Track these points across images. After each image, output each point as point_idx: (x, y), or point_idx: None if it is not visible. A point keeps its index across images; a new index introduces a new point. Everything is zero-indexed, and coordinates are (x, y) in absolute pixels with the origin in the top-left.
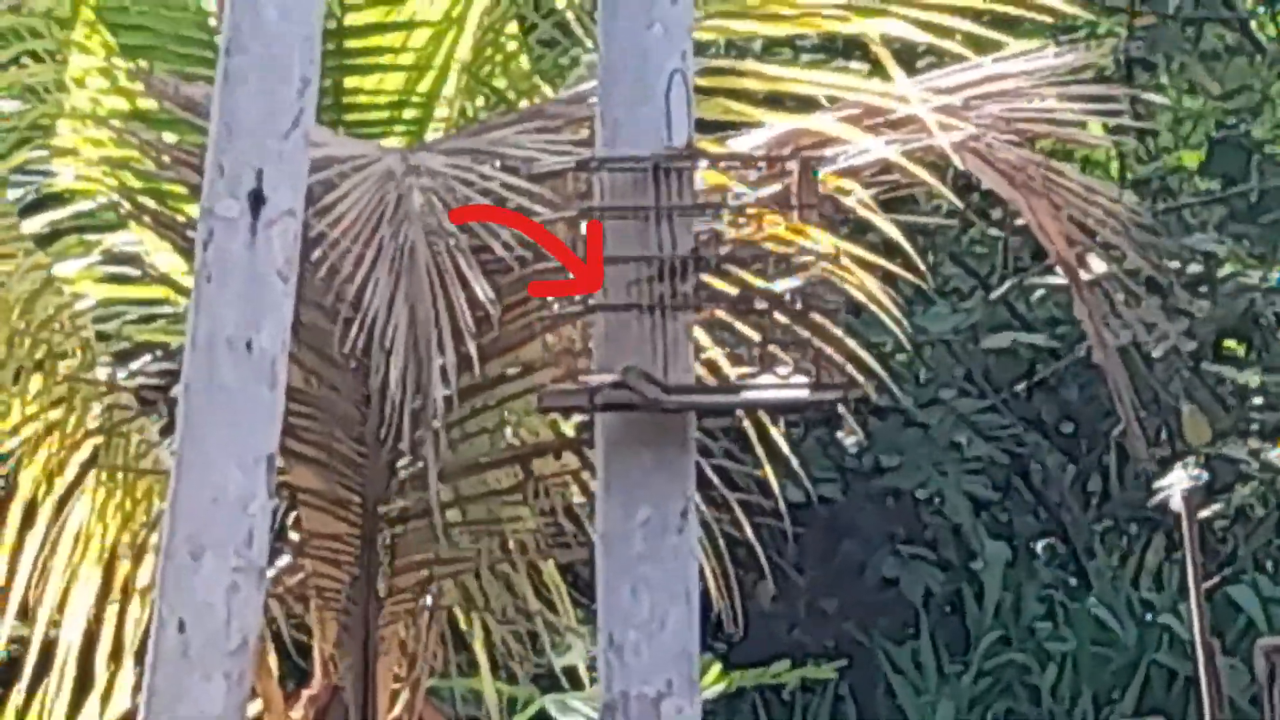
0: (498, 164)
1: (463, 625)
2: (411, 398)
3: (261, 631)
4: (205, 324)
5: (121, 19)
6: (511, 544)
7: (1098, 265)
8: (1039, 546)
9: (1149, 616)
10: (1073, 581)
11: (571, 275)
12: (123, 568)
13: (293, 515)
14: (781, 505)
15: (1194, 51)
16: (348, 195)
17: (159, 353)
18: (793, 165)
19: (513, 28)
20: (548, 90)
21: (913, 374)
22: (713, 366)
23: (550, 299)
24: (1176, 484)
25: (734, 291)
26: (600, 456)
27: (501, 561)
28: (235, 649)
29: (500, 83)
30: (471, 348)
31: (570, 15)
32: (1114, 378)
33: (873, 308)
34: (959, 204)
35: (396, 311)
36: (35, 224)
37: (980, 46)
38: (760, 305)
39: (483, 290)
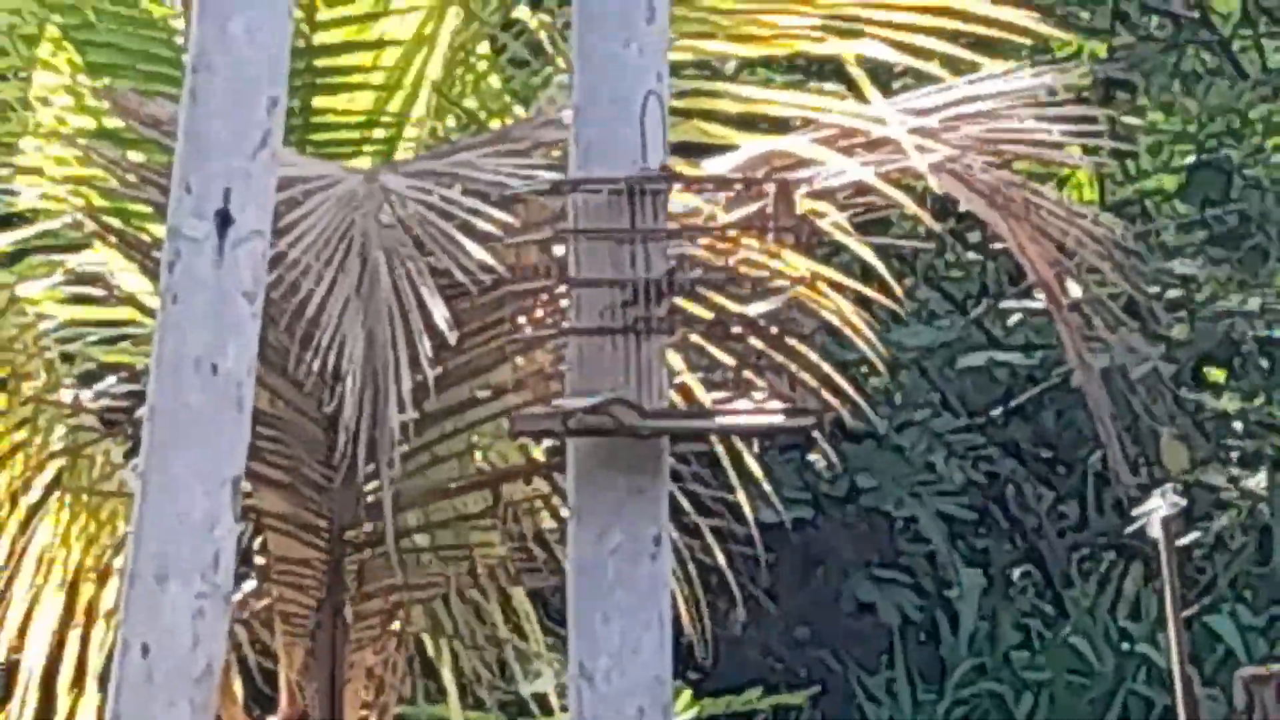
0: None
1: (431, 651)
2: (370, 423)
3: (227, 657)
4: (171, 345)
5: (88, 36)
6: (481, 569)
7: (1075, 289)
8: (1015, 574)
9: (1126, 646)
10: (1049, 610)
11: (545, 298)
12: (87, 591)
13: (259, 539)
14: (754, 530)
15: (1174, 73)
16: (310, 215)
17: (124, 374)
18: (768, 187)
19: (484, 47)
20: (519, 110)
21: (888, 396)
22: (687, 391)
23: (522, 322)
24: (1155, 511)
25: (708, 315)
26: (572, 482)
27: (471, 587)
28: (200, 675)
29: (471, 103)
30: (433, 373)
31: (543, 35)
32: (1094, 400)
33: (847, 331)
34: (936, 227)
35: (355, 334)
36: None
37: (957, 68)
38: (735, 329)
39: (442, 315)
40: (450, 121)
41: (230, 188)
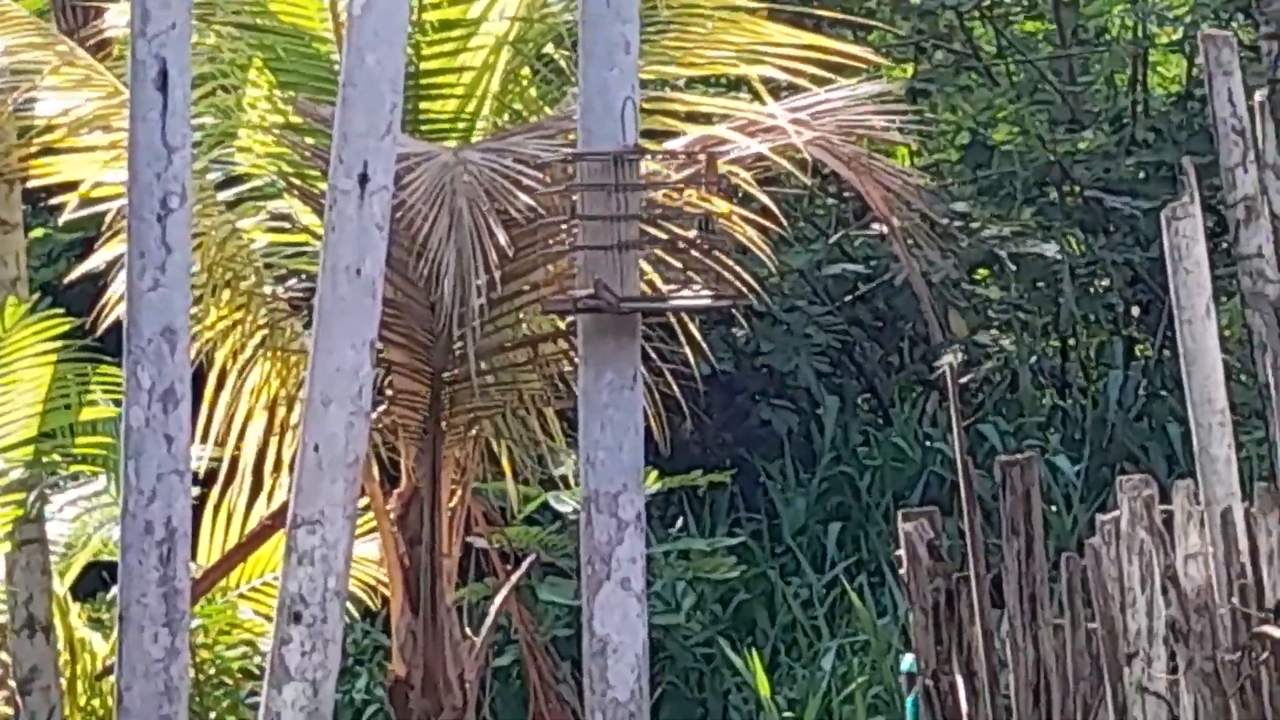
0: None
1: (495, 448)
2: (458, 304)
3: (367, 452)
4: (331, 258)
5: (278, 65)
6: (525, 397)
7: (898, 220)
8: (859, 400)
9: (929, 443)
10: (880, 421)
11: (564, 227)
12: (280, 412)
13: (387, 378)
14: (696, 373)
15: (955, 86)
16: (419, 176)
17: (303, 276)
18: (702, 157)
19: (525, 71)
20: (548, 110)
21: (779, 290)
22: (652, 284)
23: (551, 242)
24: (946, 359)
25: (665, 237)
26: (581, 341)
27: (519, 408)
28: (351, 463)
29: (518, 106)
30: (497, 274)
31: (562, 63)
32: (916, 288)
33: (753, 248)
34: (808, 181)
35: (448, 250)
36: (225, 194)
37: (821, 81)
38: (682, 246)
39: (501, 239)
40: (505, 117)
41: (367, 159)
